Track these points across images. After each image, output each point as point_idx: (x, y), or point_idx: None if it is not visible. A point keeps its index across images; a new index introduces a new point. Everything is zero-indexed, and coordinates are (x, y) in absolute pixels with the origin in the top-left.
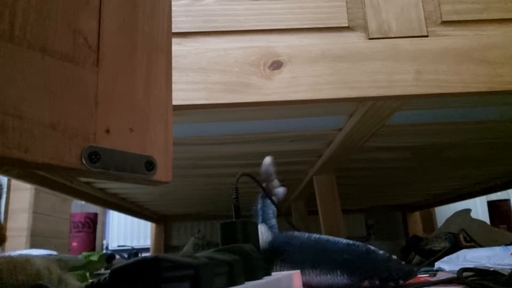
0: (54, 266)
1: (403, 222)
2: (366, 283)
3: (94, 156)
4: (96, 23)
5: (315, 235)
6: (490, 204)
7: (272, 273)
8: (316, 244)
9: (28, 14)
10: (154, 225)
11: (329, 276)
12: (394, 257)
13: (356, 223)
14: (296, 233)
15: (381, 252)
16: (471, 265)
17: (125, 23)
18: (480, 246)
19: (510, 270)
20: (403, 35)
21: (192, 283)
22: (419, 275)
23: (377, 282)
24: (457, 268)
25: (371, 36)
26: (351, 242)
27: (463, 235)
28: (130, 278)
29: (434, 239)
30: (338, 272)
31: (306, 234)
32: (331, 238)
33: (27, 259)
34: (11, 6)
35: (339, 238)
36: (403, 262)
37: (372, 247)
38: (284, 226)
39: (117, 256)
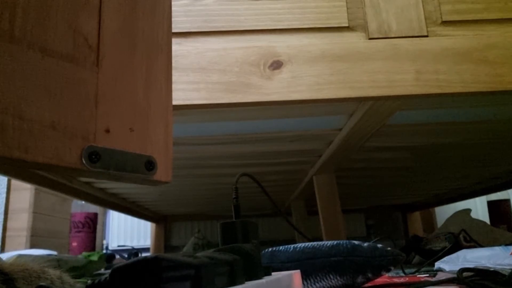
0: (67, 277)
1: (403, 222)
2: (360, 278)
3: (94, 156)
4: (96, 23)
5: (300, 245)
6: (490, 204)
7: (272, 273)
8: (303, 254)
9: (28, 14)
10: (154, 225)
11: (323, 282)
12: (379, 245)
13: (356, 223)
14: (281, 248)
15: (365, 244)
16: (471, 265)
17: (125, 23)
18: (480, 246)
19: (510, 270)
20: (403, 35)
21: (193, 283)
22: (419, 275)
23: (369, 274)
24: (457, 268)
25: (371, 36)
26: (335, 243)
27: (463, 235)
28: (131, 278)
29: (434, 239)
30: (331, 276)
31: (291, 247)
32: (315, 244)
33: (42, 268)
34: (11, 6)
35: (323, 242)
36: (389, 248)
37: (356, 242)
38: (284, 226)
39: (117, 256)
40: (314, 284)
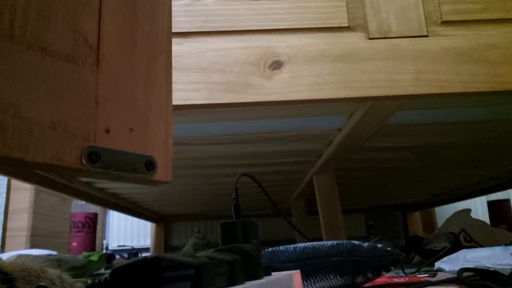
0: (67, 276)
1: (403, 222)
2: (360, 278)
3: (94, 156)
4: (96, 23)
5: (300, 245)
6: (490, 204)
7: (272, 273)
8: (303, 254)
9: (28, 14)
10: (154, 225)
11: (323, 282)
12: (379, 245)
13: (356, 223)
14: (281, 248)
15: (365, 244)
16: (471, 265)
17: (125, 23)
18: (480, 246)
19: (510, 270)
20: (403, 35)
21: (193, 283)
22: (419, 275)
23: (369, 274)
24: (457, 268)
25: (371, 36)
26: (335, 243)
27: (463, 235)
28: (131, 278)
29: (434, 239)
30: (331, 276)
31: (291, 247)
32: (315, 244)
33: (41, 268)
34: (11, 6)
35: (323, 242)
36: (389, 248)
37: (356, 242)
38: (284, 226)
39: (117, 256)
40: (314, 284)
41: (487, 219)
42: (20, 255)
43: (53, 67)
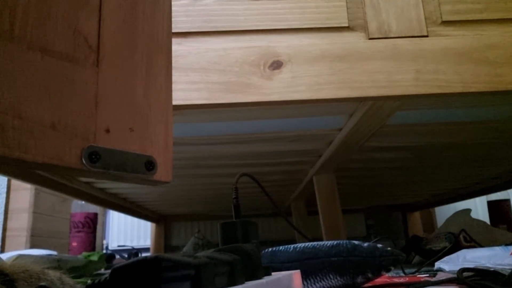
0: (68, 279)
1: (403, 222)
2: (360, 278)
3: (94, 156)
4: (96, 23)
5: (300, 245)
6: (490, 204)
7: (272, 273)
8: (302, 254)
9: (28, 14)
10: (154, 225)
11: (323, 282)
12: (379, 245)
13: (356, 223)
14: (281, 248)
15: (365, 244)
16: (471, 265)
17: (125, 23)
18: (480, 246)
19: (510, 270)
20: (403, 35)
21: (193, 283)
22: (419, 275)
23: (369, 274)
24: (457, 268)
25: (371, 36)
26: (335, 243)
27: (463, 235)
28: (131, 277)
29: (434, 239)
30: (331, 276)
31: (291, 247)
32: (315, 244)
33: (42, 270)
34: (11, 6)
35: (323, 242)
36: (389, 248)
37: (356, 242)
38: (284, 226)
39: (117, 256)
40: (314, 284)
41: (487, 219)
42: (20, 255)
43: (53, 67)
